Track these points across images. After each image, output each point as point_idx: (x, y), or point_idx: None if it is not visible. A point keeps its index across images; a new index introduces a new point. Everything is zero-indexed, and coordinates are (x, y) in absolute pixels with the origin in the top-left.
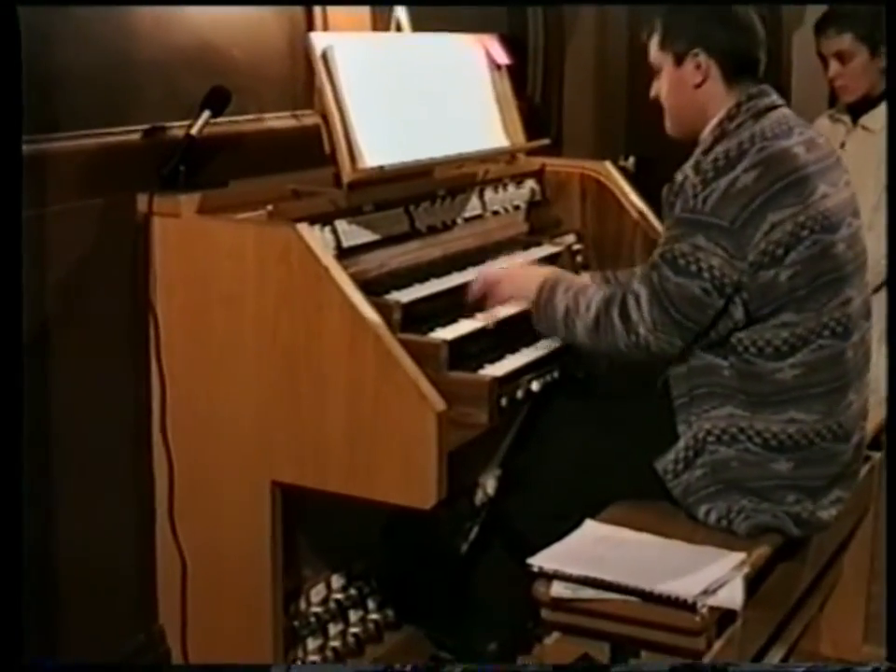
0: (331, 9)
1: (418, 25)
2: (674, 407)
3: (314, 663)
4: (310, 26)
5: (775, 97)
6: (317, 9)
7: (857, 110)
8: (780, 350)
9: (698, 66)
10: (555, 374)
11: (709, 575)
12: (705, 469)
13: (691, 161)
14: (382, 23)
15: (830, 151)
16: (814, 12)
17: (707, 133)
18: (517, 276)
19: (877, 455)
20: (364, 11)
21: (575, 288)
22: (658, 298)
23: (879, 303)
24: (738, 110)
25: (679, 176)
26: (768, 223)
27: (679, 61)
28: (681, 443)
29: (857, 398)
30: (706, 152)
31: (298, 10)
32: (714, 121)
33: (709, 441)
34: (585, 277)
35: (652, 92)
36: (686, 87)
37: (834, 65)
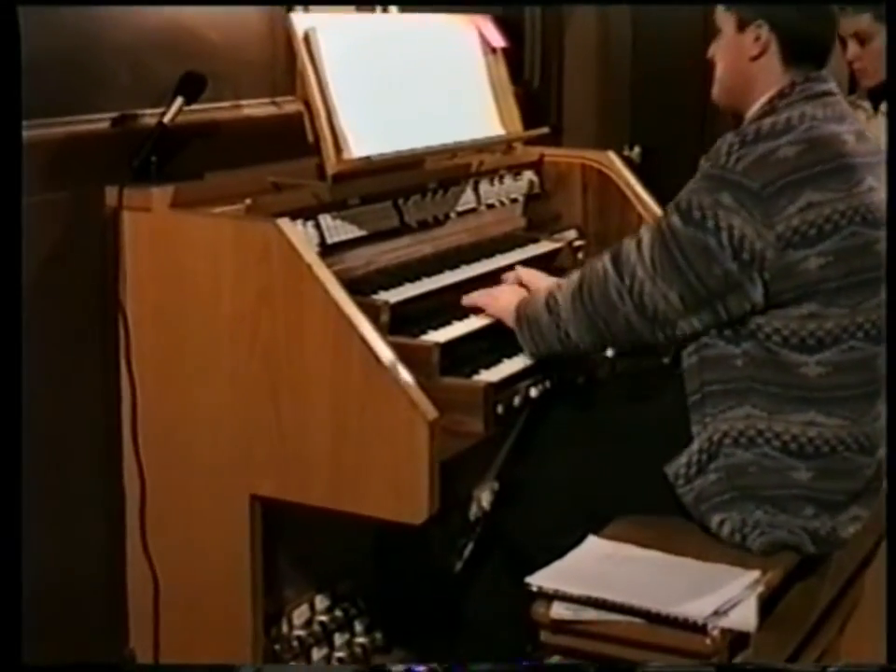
0: None
1: (407, 6)
2: (688, 405)
3: None
4: (291, 6)
5: (832, 85)
6: None
7: (877, 96)
8: (807, 343)
9: (758, 38)
10: (555, 380)
11: (721, 595)
12: (719, 475)
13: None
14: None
15: (878, 148)
16: None
17: (755, 110)
18: (501, 297)
19: None
20: None
21: (555, 280)
22: (664, 239)
23: None
24: (792, 90)
25: (718, 141)
26: (805, 200)
27: (741, 26)
28: (695, 446)
29: (885, 410)
30: (751, 123)
31: None
32: (764, 98)
33: (726, 443)
34: None
35: (709, 52)
36: (741, 56)
37: (853, 47)
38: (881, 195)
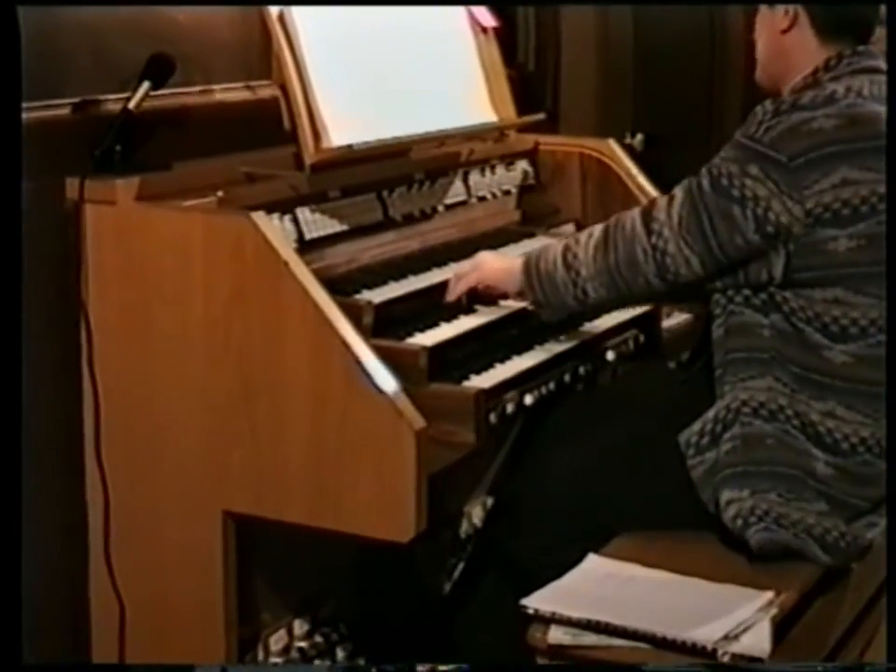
0: None
1: None
2: (714, 379)
3: None
4: None
5: (881, 62)
6: None
7: None
8: (830, 329)
9: (787, 11)
10: (551, 386)
11: (732, 618)
12: (735, 443)
13: None
14: None
15: None
16: None
17: (796, 82)
18: (493, 258)
19: None
20: None
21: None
22: (693, 201)
23: None
24: (839, 62)
25: (757, 108)
26: (840, 176)
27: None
28: (711, 413)
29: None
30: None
31: None
32: (806, 71)
33: (744, 412)
34: None
35: (755, 32)
36: (774, 31)
37: None
38: None
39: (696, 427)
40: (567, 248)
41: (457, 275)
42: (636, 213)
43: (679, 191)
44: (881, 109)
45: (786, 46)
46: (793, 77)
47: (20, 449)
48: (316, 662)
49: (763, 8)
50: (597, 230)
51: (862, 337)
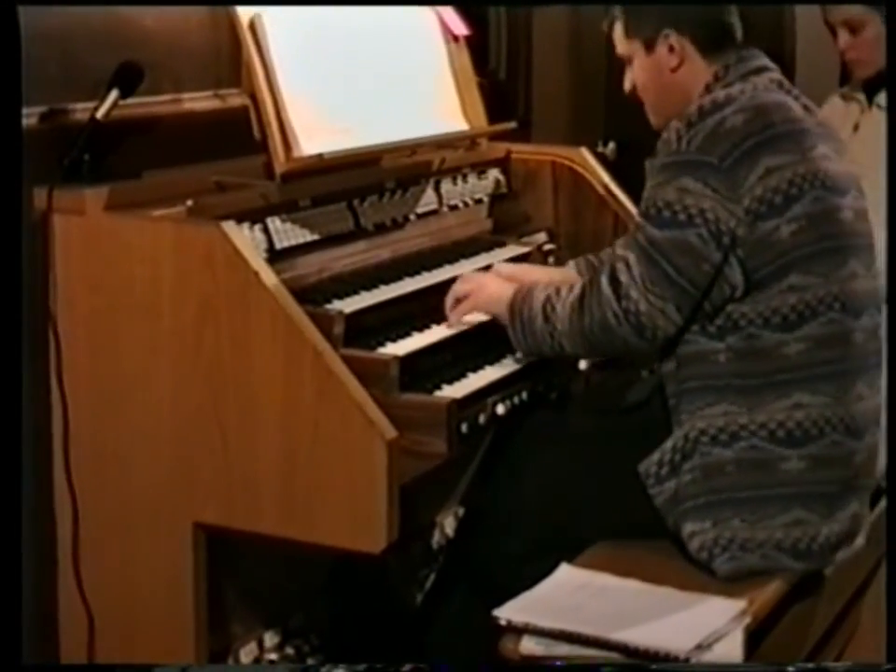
0: None
1: None
2: (668, 409)
3: None
4: None
5: (766, 61)
6: None
7: (872, 87)
8: (788, 319)
9: (672, 49)
10: (524, 395)
11: (704, 627)
12: (694, 474)
13: None
14: None
15: (828, 124)
16: None
17: (695, 102)
18: (493, 285)
19: None
20: None
21: (557, 283)
22: (646, 254)
23: None
24: (727, 71)
25: (663, 136)
26: (762, 167)
27: (649, 47)
28: (669, 443)
29: (869, 393)
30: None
31: None
32: (700, 90)
33: (703, 441)
34: (570, 265)
35: (627, 85)
36: (663, 72)
37: (844, 35)
38: (838, 165)
39: (655, 457)
40: (548, 299)
41: (455, 296)
42: (604, 277)
43: (628, 252)
44: (782, 97)
45: (679, 81)
46: (689, 104)
47: (20, 449)
48: None
49: (640, 56)
50: (576, 288)
51: (815, 317)
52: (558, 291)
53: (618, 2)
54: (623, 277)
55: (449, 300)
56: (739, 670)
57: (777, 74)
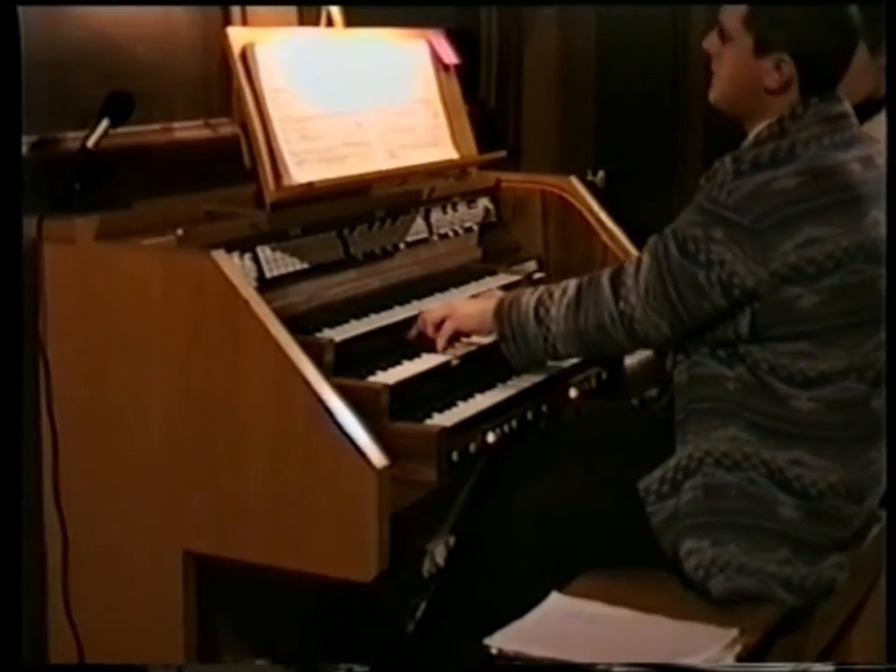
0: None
1: (353, 19)
2: (674, 424)
3: None
4: (227, 20)
5: (846, 107)
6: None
7: (861, 115)
8: (795, 379)
9: (779, 69)
10: (514, 424)
11: (696, 655)
12: (696, 493)
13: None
14: (310, 18)
15: (883, 174)
16: None
17: (762, 127)
18: (465, 304)
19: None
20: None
21: (544, 286)
22: (659, 267)
23: None
24: (805, 110)
25: (717, 163)
26: (804, 236)
27: (760, 51)
28: (672, 461)
29: (877, 456)
30: (755, 146)
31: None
32: (774, 118)
33: (707, 462)
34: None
35: (706, 45)
36: (757, 81)
37: None
38: (885, 228)
39: (657, 474)
40: (540, 301)
41: (428, 322)
42: (606, 276)
43: (646, 255)
44: (844, 157)
45: (768, 99)
46: (760, 119)
47: (20, 449)
48: None
49: (745, 48)
50: (571, 287)
51: (831, 383)
52: (551, 294)
53: (617, 2)
54: (629, 280)
55: (428, 328)
56: (740, 671)
57: (851, 120)
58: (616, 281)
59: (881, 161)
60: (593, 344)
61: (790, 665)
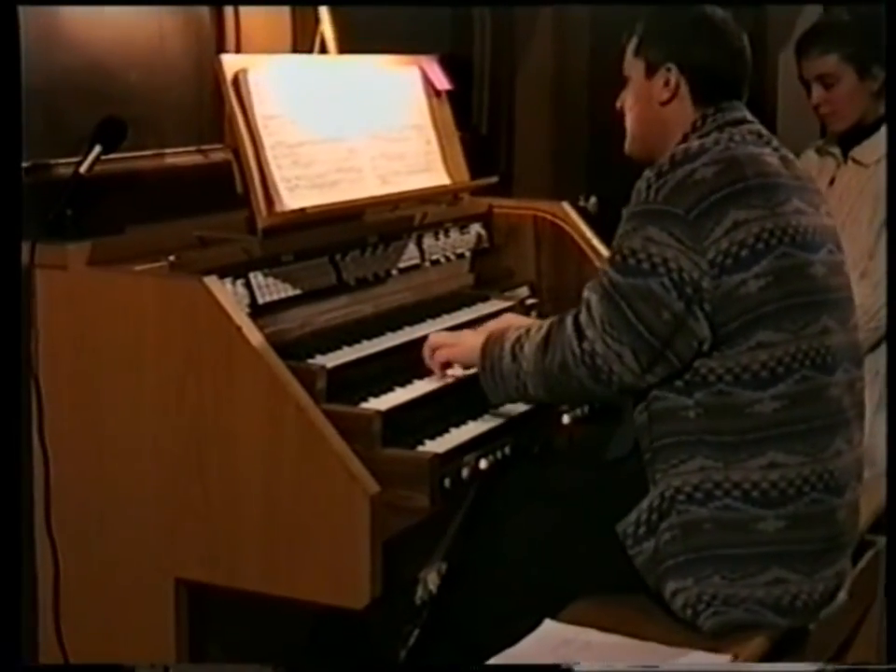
0: (246, 27)
1: (345, 45)
2: (642, 468)
3: None
4: (220, 46)
5: (746, 113)
6: (230, 27)
7: (848, 141)
8: (760, 377)
9: (667, 83)
10: (507, 450)
11: None
12: (673, 533)
13: None
14: (303, 43)
15: (807, 175)
16: (803, 29)
17: (671, 148)
18: (470, 336)
19: (882, 540)
20: (284, 29)
21: (529, 323)
22: (608, 296)
23: (877, 361)
24: (704, 122)
25: (636, 185)
26: (730, 220)
27: (650, 72)
28: (645, 503)
29: (847, 449)
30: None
31: (206, 27)
32: (678, 138)
33: (679, 499)
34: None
35: (618, 103)
36: (652, 102)
37: (818, 90)
38: (812, 220)
39: (632, 517)
40: (518, 338)
41: (427, 346)
42: (570, 317)
43: (591, 294)
44: (757, 149)
45: (664, 116)
46: (669, 145)
47: (20, 450)
48: None
49: (639, 78)
50: (545, 326)
51: (788, 375)
52: (528, 331)
53: (615, 2)
54: (583, 318)
55: (426, 350)
56: (740, 671)
57: (756, 125)
58: (575, 321)
59: (799, 165)
60: (557, 385)
61: (790, 666)
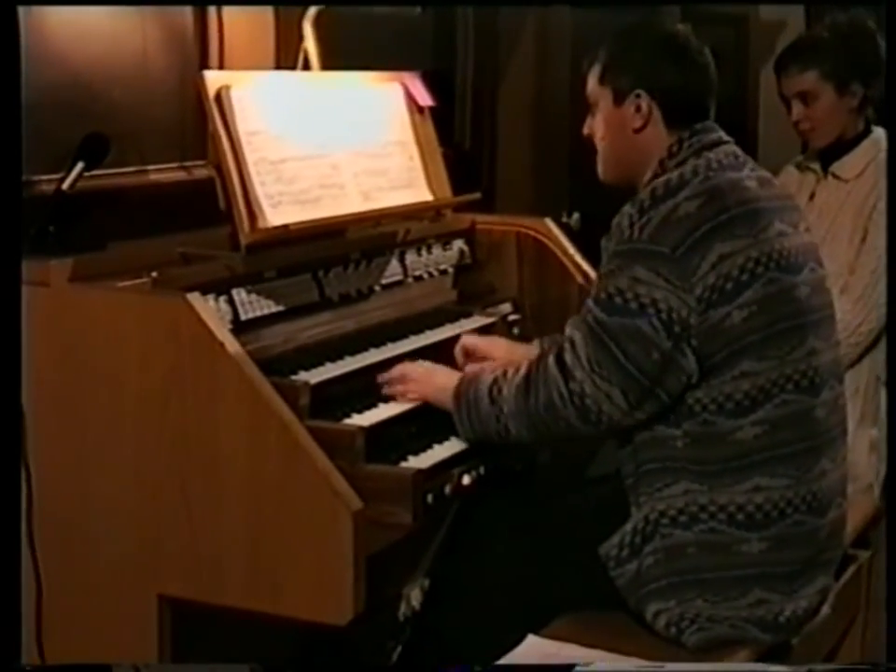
0: (229, 43)
1: (329, 61)
2: (625, 489)
3: None
4: (203, 63)
5: (721, 133)
6: (213, 43)
7: (828, 157)
8: (741, 405)
9: (639, 109)
10: (490, 466)
11: None
12: (657, 556)
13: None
14: (287, 60)
15: (786, 193)
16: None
17: (648, 177)
18: (438, 375)
19: (864, 555)
20: (267, 45)
21: (505, 366)
22: (595, 335)
23: (857, 377)
24: (680, 147)
25: (615, 219)
26: (715, 254)
27: (618, 100)
28: (629, 525)
29: (832, 468)
30: (644, 188)
31: (189, 43)
32: (654, 163)
33: (663, 523)
34: (535, 344)
35: (586, 130)
36: (624, 130)
37: (798, 107)
38: (794, 240)
39: (615, 539)
40: (495, 381)
41: (403, 374)
42: (552, 355)
43: (575, 332)
44: (737, 175)
45: (639, 143)
46: (646, 171)
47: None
48: None
49: (607, 106)
50: (523, 368)
51: (768, 400)
52: (505, 373)
53: (617, 1)
54: (568, 357)
55: (395, 373)
56: (740, 670)
57: (731, 146)
58: (560, 361)
59: (777, 183)
60: (542, 425)
61: (789, 666)
